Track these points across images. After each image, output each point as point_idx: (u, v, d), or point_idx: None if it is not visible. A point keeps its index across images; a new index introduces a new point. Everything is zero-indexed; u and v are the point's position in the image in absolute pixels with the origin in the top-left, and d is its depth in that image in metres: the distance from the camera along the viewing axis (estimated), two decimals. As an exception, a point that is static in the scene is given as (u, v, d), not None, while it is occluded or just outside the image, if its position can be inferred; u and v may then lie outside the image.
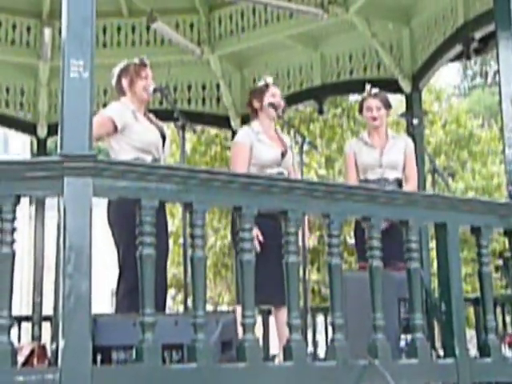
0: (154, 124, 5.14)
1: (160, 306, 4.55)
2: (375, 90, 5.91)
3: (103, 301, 14.66)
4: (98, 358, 3.44)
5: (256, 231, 5.16)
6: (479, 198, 9.76)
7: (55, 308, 7.46)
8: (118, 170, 3.25)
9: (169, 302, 19.53)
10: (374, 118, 5.86)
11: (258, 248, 5.13)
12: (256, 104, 5.59)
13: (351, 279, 4.16)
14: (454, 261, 4.06)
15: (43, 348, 3.91)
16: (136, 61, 5.21)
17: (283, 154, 5.48)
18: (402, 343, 4.19)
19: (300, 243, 4.39)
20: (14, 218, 3.18)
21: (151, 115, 5.22)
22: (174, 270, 18.47)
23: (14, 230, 3.17)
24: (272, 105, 5.52)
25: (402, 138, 6.15)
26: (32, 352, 3.77)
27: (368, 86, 5.95)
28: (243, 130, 5.68)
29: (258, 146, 5.44)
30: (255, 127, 5.55)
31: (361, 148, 5.90)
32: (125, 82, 5.14)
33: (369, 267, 3.83)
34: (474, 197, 16.49)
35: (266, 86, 5.62)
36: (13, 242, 3.17)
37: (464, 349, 3.98)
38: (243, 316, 3.43)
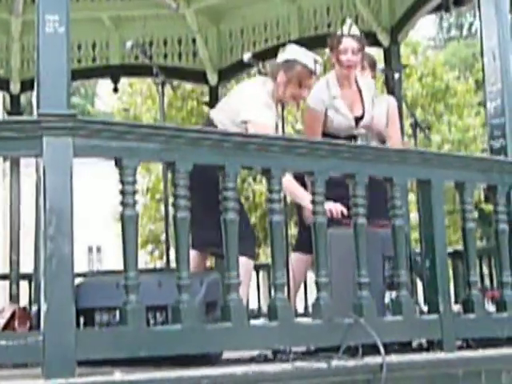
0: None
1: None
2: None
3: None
4: (81, 320, 3.41)
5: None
6: (462, 154, 9.77)
7: (35, 269, 7.37)
8: (99, 128, 3.17)
9: (146, 257, 19.55)
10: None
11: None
12: (331, 54, 4.97)
13: (336, 236, 4.11)
14: (439, 218, 4.04)
15: (24, 310, 3.85)
16: (308, 62, 4.65)
17: (359, 118, 5.01)
18: (387, 300, 4.18)
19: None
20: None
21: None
22: (151, 226, 18.49)
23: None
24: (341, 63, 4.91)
25: (383, 98, 5.63)
26: (13, 315, 3.71)
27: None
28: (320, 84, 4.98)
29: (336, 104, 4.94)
30: (330, 79, 4.99)
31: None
32: (282, 77, 4.66)
33: (353, 224, 3.79)
34: (457, 152, 16.49)
35: (339, 38, 4.92)
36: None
37: (448, 305, 3.97)
38: (227, 277, 3.37)
